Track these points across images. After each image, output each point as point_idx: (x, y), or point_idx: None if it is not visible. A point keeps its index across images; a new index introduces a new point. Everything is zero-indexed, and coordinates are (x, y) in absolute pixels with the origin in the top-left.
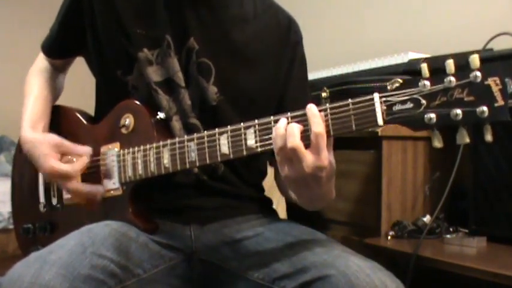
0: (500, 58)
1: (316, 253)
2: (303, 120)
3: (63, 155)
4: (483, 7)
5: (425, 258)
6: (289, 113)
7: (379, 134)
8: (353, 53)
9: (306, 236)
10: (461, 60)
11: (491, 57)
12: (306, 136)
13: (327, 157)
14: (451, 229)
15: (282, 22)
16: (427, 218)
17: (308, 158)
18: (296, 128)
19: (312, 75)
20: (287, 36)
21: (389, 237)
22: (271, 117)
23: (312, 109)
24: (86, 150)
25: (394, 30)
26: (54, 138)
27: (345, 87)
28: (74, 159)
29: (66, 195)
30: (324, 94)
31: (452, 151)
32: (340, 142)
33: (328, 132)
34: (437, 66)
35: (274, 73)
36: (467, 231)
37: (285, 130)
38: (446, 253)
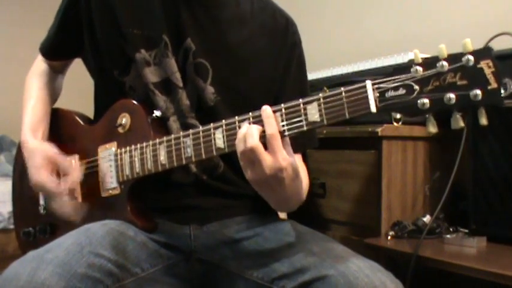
0: (500, 58)
1: (315, 253)
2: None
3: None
4: (483, 7)
5: (425, 258)
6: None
7: (379, 134)
8: (353, 53)
9: (306, 236)
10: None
11: None
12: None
13: (285, 158)
14: (451, 229)
15: (280, 23)
16: (427, 218)
17: (267, 158)
18: (255, 129)
19: (312, 75)
20: (284, 37)
21: (389, 237)
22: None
23: (266, 110)
24: (74, 168)
25: (394, 30)
26: (49, 150)
27: None
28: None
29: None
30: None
31: (452, 151)
32: (340, 142)
33: (281, 132)
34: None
35: (270, 74)
36: (467, 231)
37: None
38: (446, 253)
